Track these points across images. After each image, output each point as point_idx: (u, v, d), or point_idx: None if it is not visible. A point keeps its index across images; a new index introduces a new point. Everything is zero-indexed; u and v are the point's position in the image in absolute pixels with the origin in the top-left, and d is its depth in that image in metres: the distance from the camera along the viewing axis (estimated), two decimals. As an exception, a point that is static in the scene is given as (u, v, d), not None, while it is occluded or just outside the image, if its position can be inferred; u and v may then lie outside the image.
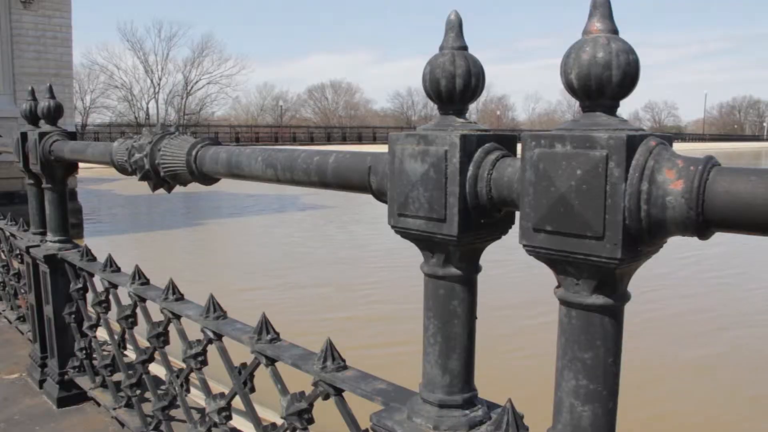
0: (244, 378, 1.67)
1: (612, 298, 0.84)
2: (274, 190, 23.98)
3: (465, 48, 1.01)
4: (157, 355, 2.19)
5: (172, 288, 2.02)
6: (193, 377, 1.96)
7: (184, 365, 1.96)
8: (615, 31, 0.81)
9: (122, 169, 1.97)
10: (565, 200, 0.82)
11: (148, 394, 2.32)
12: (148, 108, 65.85)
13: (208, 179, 1.70)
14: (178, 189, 1.88)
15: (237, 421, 1.92)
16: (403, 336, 6.82)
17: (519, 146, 0.92)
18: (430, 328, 1.08)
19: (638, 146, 0.78)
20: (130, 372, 2.38)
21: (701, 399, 5.79)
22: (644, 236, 0.79)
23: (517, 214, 0.92)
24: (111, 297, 2.46)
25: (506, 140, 1.03)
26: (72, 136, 2.77)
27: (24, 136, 2.78)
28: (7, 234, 3.78)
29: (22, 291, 3.79)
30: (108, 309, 2.54)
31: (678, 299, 8.99)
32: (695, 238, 0.79)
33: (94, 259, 2.63)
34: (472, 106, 1.19)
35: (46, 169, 2.72)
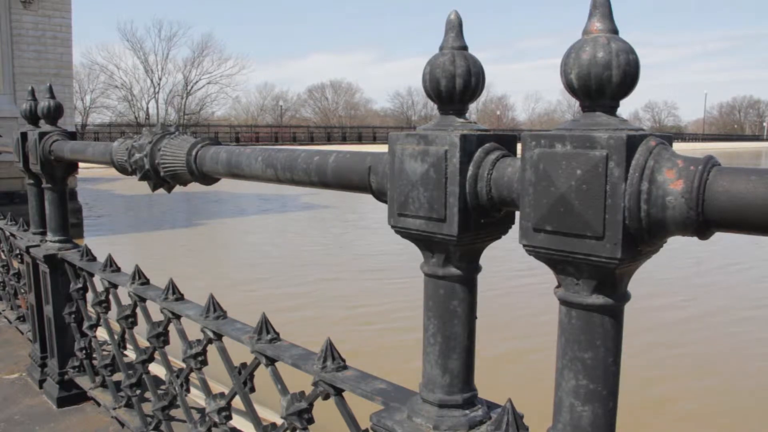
0: (244, 378, 1.67)
1: (612, 298, 0.84)
2: (275, 189, 23.98)
3: (465, 48, 1.01)
4: (157, 355, 2.19)
5: (172, 288, 2.02)
6: (193, 377, 1.96)
7: (184, 365, 1.96)
8: (615, 31, 0.81)
9: (122, 169, 1.97)
10: (565, 200, 0.82)
11: (148, 394, 2.32)
12: (148, 108, 65.92)
13: (208, 179, 1.70)
14: (178, 189, 1.88)
15: (237, 421, 1.92)
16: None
17: (519, 146, 0.92)
18: (430, 328, 1.08)
19: (638, 146, 0.78)
20: (130, 372, 2.38)
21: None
22: (644, 236, 0.79)
23: (517, 214, 0.92)
24: (111, 297, 2.46)
25: (506, 140, 1.03)
26: (72, 136, 2.77)
27: (24, 136, 2.78)
28: (7, 234, 3.78)
29: (22, 291, 3.79)
30: (108, 309, 2.54)
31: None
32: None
33: (94, 259, 2.63)
34: (472, 106, 1.19)
35: (46, 169, 2.72)
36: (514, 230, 0.98)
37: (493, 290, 8.66)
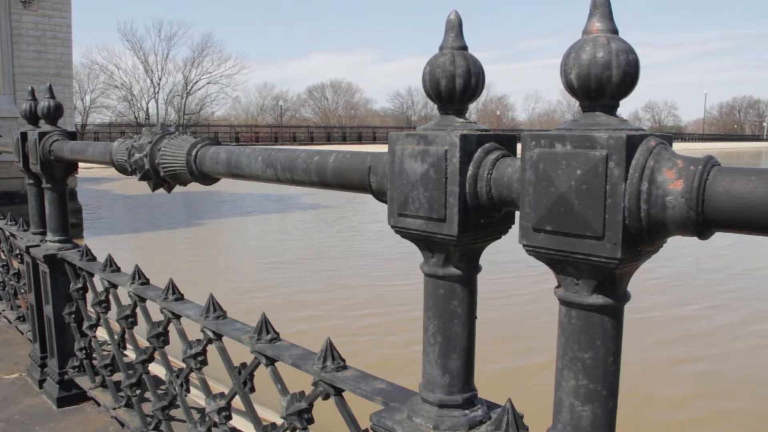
0: (244, 378, 1.67)
1: (612, 298, 0.84)
2: (276, 189, 23.98)
3: (465, 48, 1.01)
4: (157, 355, 2.19)
5: (172, 288, 2.02)
6: (193, 377, 1.96)
7: (184, 365, 1.96)
8: (615, 31, 0.81)
9: (122, 169, 1.97)
10: (565, 200, 0.82)
11: (148, 394, 2.32)
12: (148, 108, 65.96)
13: (208, 179, 1.70)
14: (178, 189, 1.88)
15: (237, 421, 1.92)
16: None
17: (519, 146, 0.92)
18: (430, 328, 1.08)
19: (638, 146, 0.78)
20: (130, 372, 2.38)
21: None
22: (644, 236, 0.79)
23: (517, 213, 0.92)
24: (111, 297, 2.46)
25: (506, 140, 1.03)
26: (72, 135, 2.77)
27: (24, 136, 2.78)
28: (7, 234, 3.78)
29: (22, 291, 3.79)
30: (108, 309, 2.54)
31: None
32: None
33: (94, 259, 2.63)
34: (472, 106, 1.19)
35: (46, 169, 2.72)
36: (514, 230, 0.98)
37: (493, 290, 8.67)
